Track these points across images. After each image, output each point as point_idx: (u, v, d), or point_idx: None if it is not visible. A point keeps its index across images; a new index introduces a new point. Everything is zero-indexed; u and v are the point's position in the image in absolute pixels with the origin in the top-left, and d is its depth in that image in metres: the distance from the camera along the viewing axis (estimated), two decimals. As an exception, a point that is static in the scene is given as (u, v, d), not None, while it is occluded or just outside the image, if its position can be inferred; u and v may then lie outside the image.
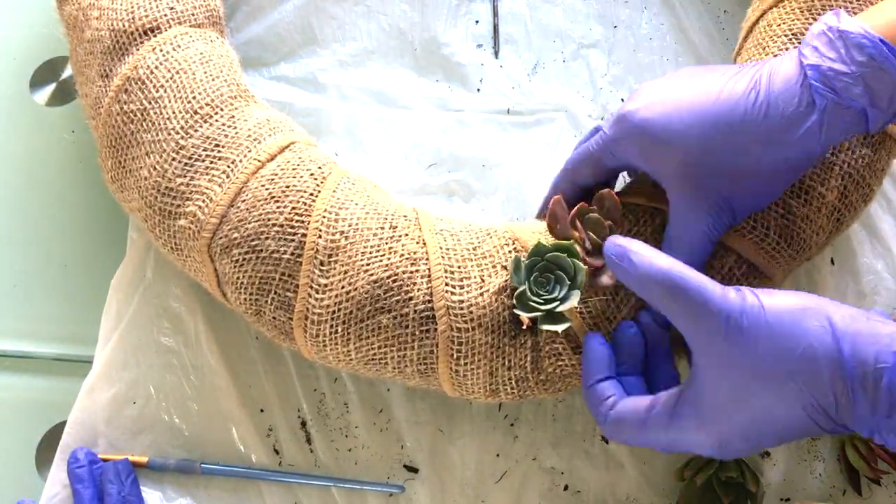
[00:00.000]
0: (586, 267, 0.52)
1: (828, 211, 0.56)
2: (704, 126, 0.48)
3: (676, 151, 0.49)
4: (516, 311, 0.51)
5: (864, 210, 0.59)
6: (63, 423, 0.63)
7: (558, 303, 0.51)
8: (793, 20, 0.59)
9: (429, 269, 0.55)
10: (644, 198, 0.57)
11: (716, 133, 0.48)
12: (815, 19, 0.58)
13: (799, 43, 0.58)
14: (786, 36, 0.59)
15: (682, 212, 0.51)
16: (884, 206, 0.66)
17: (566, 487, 0.61)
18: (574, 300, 0.50)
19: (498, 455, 0.62)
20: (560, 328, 0.51)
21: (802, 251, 0.56)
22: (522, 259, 0.53)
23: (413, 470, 0.61)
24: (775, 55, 0.59)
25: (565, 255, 0.51)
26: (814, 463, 0.61)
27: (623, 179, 0.63)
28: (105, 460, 0.61)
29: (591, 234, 0.52)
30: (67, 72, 0.75)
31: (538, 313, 0.51)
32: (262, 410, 0.63)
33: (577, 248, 0.52)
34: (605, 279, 0.52)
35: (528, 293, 0.51)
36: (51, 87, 0.75)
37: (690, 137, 0.48)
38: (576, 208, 0.53)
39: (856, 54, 0.45)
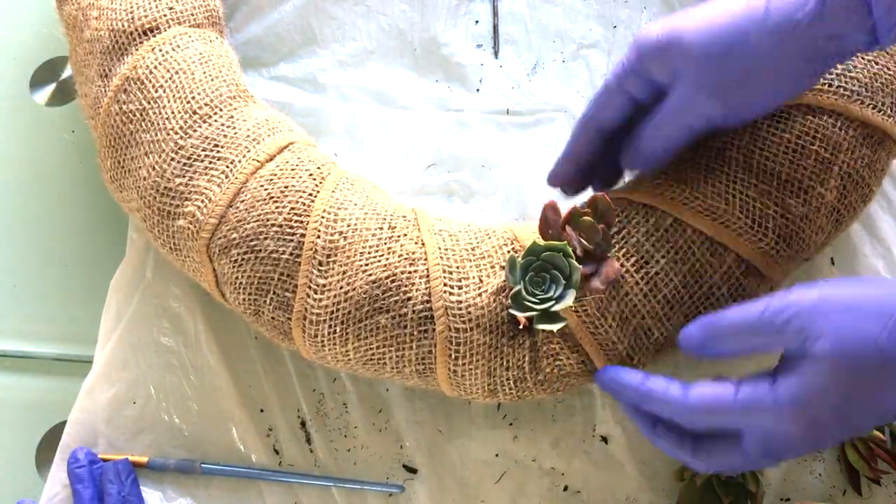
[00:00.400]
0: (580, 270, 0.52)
1: (827, 211, 0.56)
2: (721, 27, 0.50)
3: (693, 52, 0.50)
4: (512, 311, 0.51)
5: (863, 210, 0.59)
6: (63, 423, 0.63)
7: (554, 302, 0.51)
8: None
9: (427, 270, 0.55)
10: (638, 196, 0.57)
11: (730, 32, 0.49)
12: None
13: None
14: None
15: (683, 92, 0.52)
16: (884, 206, 0.66)
17: (566, 488, 0.61)
18: (569, 299, 0.50)
19: (497, 455, 0.62)
20: (556, 327, 0.51)
21: (801, 251, 0.56)
22: (518, 259, 0.53)
23: (412, 470, 0.61)
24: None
25: (560, 254, 0.51)
26: (814, 463, 0.61)
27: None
28: (105, 460, 0.61)
29: (582, 239, 0.52)
30: (67, 72, 0.75)
31: (534, 313, 0.51)
32: (261, 410, 0.63)
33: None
34: (597, 284, 0.52)
35: (524, 293, 0.51)
36: (51, 87, 0.75)
37: (709, 38, 0.50)
38: (568, 212, 0.53)
39: None
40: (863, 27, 0.47)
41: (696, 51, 0.50)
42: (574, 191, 0.60)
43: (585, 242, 0.52)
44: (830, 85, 0.57)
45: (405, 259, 0.55)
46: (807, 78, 0.51)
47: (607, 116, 0.56)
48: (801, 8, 0.47)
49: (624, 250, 0.55)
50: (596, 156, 0.57)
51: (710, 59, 0.50)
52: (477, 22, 0.73)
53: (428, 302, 0.55)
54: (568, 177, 0.59)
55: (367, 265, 0.55)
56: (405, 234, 0.56)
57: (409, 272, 0.55)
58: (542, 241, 0.52)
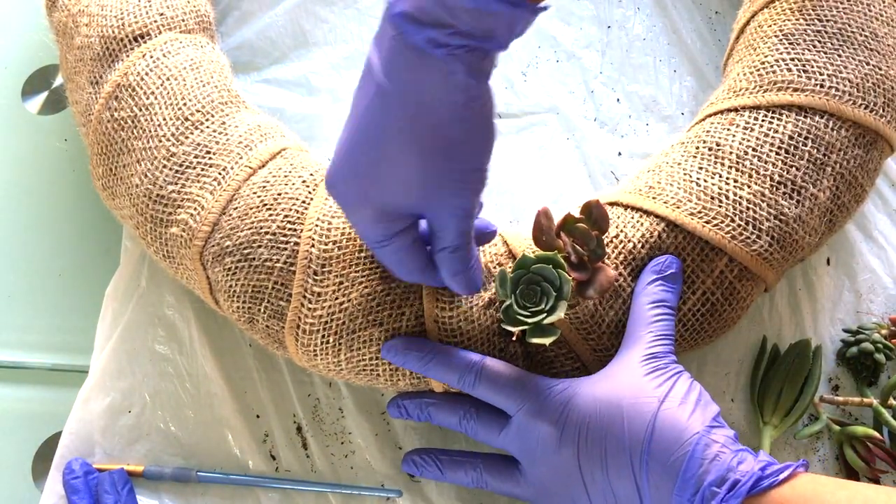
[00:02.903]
0: (572, 278, 0.51)
1: (820, 212, 0.56)
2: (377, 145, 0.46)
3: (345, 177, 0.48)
4: (504, 326, 0.51)
5: (856, 210, 0.59)
6: (59, 434, 0.63)
7: (545, 315, 0.50)
8: (783, 21, 0.59)
9: (421, 285, 0.55)
10: (630, 201, 0.56)
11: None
12: (805, 20, 0.58)
13: (789, 43, 0.58)
14: (776, 37, 0.59)
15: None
16: (879, 205, 0.66)
17: (563, 491, 0.61)
18: (561, 312, 0.50)
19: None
20: (548, 341, 0.50)
21: (795, 253, 0.56)
22: (508, 272, 0.52)
23: (410, 473, 0.61)
24: (765, 56, 0.59)
25: (550, 266, 0.50)
26: (813, 463, 0.61)
27: (613, 179, 0.63)
28: (101, 470, 0.61)
29: (576, 246, 0.52)
30: (59, 80, 0.75)
31: (526, 327, 0.51)
32: (257, 417, 0.63)
33: (563, 260, 0.52)
34: (592, 292, 0.51)
35: (515, 307, 0.51)
36: (43, 96, 0.75)
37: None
38: (562, 218, 0.53)
39: (463, 15, 0.42)
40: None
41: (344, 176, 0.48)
42: None
43: (580, 249, 0.52)
44: (822, 85, 0.56)
45: None
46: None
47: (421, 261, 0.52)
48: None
49: (622, 256, 0.55)
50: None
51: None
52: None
53: (421, 317, 0.54)
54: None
55: (362, 277, 0.55)
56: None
57: (405, 286, 0.55)
58: (531, 254, 0.51)
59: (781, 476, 0.45)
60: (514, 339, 0.52)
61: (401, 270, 0.52)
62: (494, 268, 0.56)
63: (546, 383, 0.52)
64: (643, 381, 0.49)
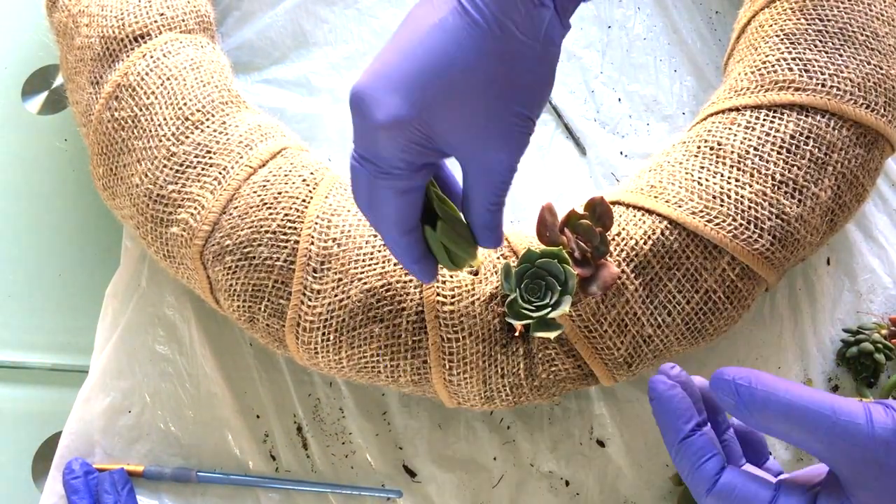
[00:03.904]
0: (577, 273, 0.51)
1: (822, 211, 0.56)
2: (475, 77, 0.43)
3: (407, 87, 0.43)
4: (508, 320, 0.51)
5: (857, 210, 0.59)
6: (59, 434, 0.63)
7: (550, 309, 0.50)
8: (784, 20, 0.59)
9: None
10: (633, 199, 0.56)
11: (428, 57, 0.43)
12: (806, 20, 0.58)
13: (790, 43, 0.58)
14: (777, 36, 0.59)
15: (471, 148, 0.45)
16: (879, 205, 0.66)
17: (564, 491, 0.61)
18: (566, 306, 0.50)
19: (495, 459, 0.61)
20: (553, 335, 0.50)
21: (796, 252, 0.56)
22: (512, 266, 0.52)
23: (412, 473, 0.61)
24: (766, 56, 0.59)
25: (555, 260, 0.50)
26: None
27: (613, 179, 0.63)
28: (101, 470, 0.61)
29: (580, 242, 0.52)
30: (59, 80, 0.75)
31: (530, 321, 0.51)
32: (258, 417, 0.63)
33: (567, 255, 0.52)
34: (595, 288, 0.51)
35: (520, 301, 0.51)
36: (43, 96, 0.75)
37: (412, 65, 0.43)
38: (566, 214, 0.53)
39: None
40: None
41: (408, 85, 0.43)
42: None
43: (584, 245, 0.52)
44: (824, 85, 0.56)
45: (401, 268, 0.55)
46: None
47: (412, 216, 0.47)
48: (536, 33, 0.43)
49: (623, 254, 0.55)
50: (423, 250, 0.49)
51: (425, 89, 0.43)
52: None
53: (422, 312, 0.54)
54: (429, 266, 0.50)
55: (362, 273, 0.55)
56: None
57: (404, 281, 0.55)
58: (536, 248, 0.52)
59: None
60: (517, 333, 0.52)
61: (400, 217, 0.46)
62: (495, 266, 0.56)
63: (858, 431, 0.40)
64: None
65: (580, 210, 0.53)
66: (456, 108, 0.43)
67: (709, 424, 0.44)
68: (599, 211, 0.53)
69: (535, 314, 0.50)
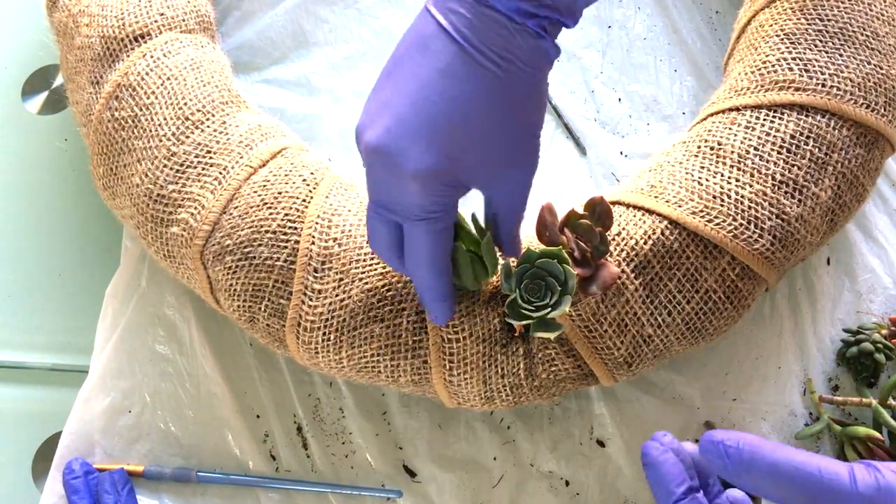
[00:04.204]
0: (577, 273, 0.51)
1: (822, 211, 0.56)
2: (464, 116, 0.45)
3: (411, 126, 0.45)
4: (508, 320, 0.51)
5: (858, 210, 0.59)
6: (59, 434, 0.63)
7: (550, 309, 0.50)
8: (784, 20, 0.59)
9: None
10: (633, 199, 0.56)
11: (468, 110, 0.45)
12: (806, 20, 0.58)
13: (791, 43, 0.58)
14: (777, 36, 0.59)
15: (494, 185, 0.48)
16: (879, 205, 0.66)
17: (564, 491, 0.61)
18: (565, 306, 0.50)
19: (495, 459, 0.61)
20: (553, 335, 0.50)
21: (796, 252, 0.56)
22: (512, 266, 0.52)
23: (412, 473, 0.61)
24: (766, 56, 0.59)
25: (555, 260, 0.50)
26: None
27: (613, 179, 0.63)
28: (101, 470, 0.61)
29: (579, 242, 0.52)
30: (59, 80, 0.75)
31: (530, 321, 0.51)
32: (258, 417, 0.63)
33: (567, 255, 0.52)
34: (595, 288, 0.51)
35: (520, 301, 0.51)
36: (43, 96, 0.75)
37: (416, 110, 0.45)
38: (566, 214, 0.53)
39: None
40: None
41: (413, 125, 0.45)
42: None
43: (583, 245, 0.52)
44: (824, 85, 0.56)
45: None
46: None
47: (445, 258, 0.50)
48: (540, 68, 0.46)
49: (624, 254, 0.55)
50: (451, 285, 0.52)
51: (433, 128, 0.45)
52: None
53: (422, 312, 0.54)
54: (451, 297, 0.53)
55: (363, 273, 0.55)
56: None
57: (405, 281, 0.55)
58: (536, 248, 0.52)
59: None
60: (517, 333, 0.52)
61: (435, 257, 0.48)
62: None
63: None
64: None
65: (580, 210, 0.53)
66: (478, 149, 0.46)
67: (701, 491, 0.46)
68: (599, 211, 0.53)
69: (535, 314, 0.50)
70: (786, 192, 0.55)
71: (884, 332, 0.61)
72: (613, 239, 0.55)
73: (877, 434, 0.58)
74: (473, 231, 0.52)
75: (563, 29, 0.46)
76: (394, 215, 0.48)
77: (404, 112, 0.45)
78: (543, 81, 0.47)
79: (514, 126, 0.46)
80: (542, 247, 0.52)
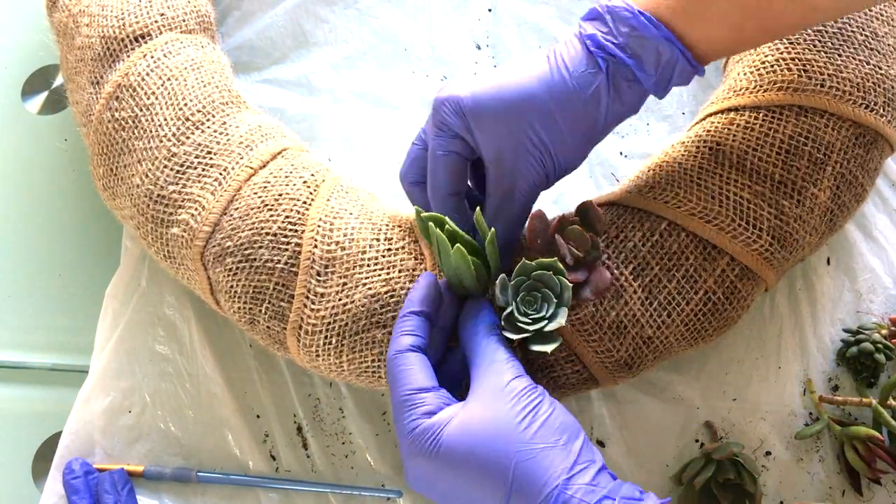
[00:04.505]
0: (570, 278, 0.51)
1: (821, 211, 0.56)
2: (522, 100, 0.51)
3: (499, 117, 0.51)
4: (505, 334, 0.51)
5: (857, 210, 0.59)
6: (59, 434, 0.63)
7: (546, 322, 0.50)
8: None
9: None
10: (631, 201, 0.56)
11: (532, 105, 0.51)
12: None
13: (790, 43, 0.58)
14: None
15: (504, 175, 0.53)
16: (879, 205, 0.66)
17: (564, 491, 0.61)
18: (562, 318, 0.49)
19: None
20: (549, 348, 0.49)
21: (795, 252, 0.56)
22: (508, 279, 0.52)
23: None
24: (765, 56, 0.59)
25: (550, 272, 0.50)
26: (813, 463, 0.61)
27: (613, 180, 0.63)
28: (101, 470, 0.61)
29: (572, 248, 0.52)
30: (59, 80, 0.75)
31: (527, 334, 0.50)
32: (258, 417, 0.63)
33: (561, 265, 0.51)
34: (588, 293, 0.51)
35: (516, 314, 0.50)
36: (43, 96, 0.75)
37: (512, 109, 0.51)
38: (556, 220, 0.52)
39: (621, 26, 0.51)
40: (640, 96, 0.52)
41: (496, 117, 0.51)
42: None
43: (575, 251, 0.52)
44: (822, 85, 0.56)
45: (405, 275, 0.55)
46: (593, 143, 0.54)
47: (453, 181, 0.55)
48: (588, 84, 0.51)
49: (623, 256, 0.55)
50: (467, 216, 0.56)
51: (509, 126, 0.51)
52: (479, 20, 0.73)
53: None
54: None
55: (367, 278, 0.55)
56: (402, 248, 0.56)
57: (408, 289, 0.55)
58: (531, 261, 0.51)
59: None
60: (514, 346, 0.52)
61: (437, 171, 0.54)
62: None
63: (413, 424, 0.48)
64: (509, 418, 0.46)
65: (570, 215, 0.53)
66: (497, 120, 0.51)
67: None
68: (590, 215, 0.53)
69: (531, 327, 0.49)
70: (784, 193, 0.55)
71: (884, 332, 0.61)
72: (612, 241, 0.55)
73: (877, 434, 0.58)
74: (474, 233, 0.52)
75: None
76: (425, 137, 0.55)
77: (490, 87, 0.52)
78: (591, 107, 0.51)
79: (549, 127, 0.51)
80: (537, 258, 0.52)
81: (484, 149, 0.52)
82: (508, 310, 0.50)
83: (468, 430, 0.46)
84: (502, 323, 0.51)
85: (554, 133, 0.51)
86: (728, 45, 0.52)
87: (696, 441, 0.62)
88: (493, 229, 0.51)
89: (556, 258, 0.50)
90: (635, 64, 0.50)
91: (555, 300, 0.50)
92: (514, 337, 0.50)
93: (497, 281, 0.51)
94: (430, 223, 0.52)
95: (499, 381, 0.48)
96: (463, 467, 0.45)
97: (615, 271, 0.54)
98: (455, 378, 0.53)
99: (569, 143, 0.52)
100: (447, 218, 0.52)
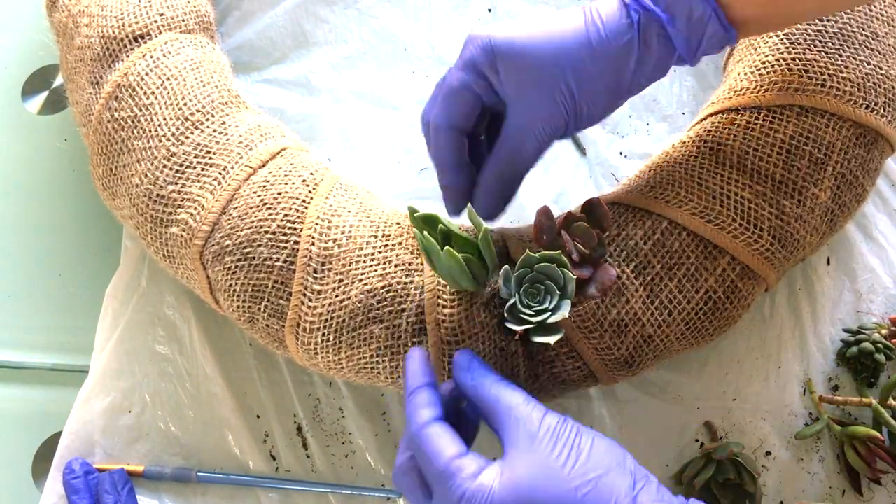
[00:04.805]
0: (575, 275, 0.51)
1: (821, 211, 0.56)
2: (555, 47, 0.51)
3: (530, 62, 0.51)
4: (508, 325, 0.51)
5: (857, 210, 0.59)
6: (59, 434, 0.63)
7: (549, 314, 0.50)
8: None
9: (423, 281, 0.55)
10: (632, 200, 0.56)
11: (564, 53, 0.51)
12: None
13: (790, 43, 0.58)
14: (777, 36, 0.59)
15: (524, 108, 0.53)
16: (879, 205, 0.66)
17: (564, 491, 0.61)
18: (565, 311, 0.49)
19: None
20: (552, 340, 0.49)
21: (796, 252, 0.56)
22: (511, 270, 0.52)
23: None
24: (766, 56, 0.59)
25: (554, 265, 0.50)
26: (813, 463, 0.61)
27: (613, 180, 0.63)
28: (101, 470, 0.61)
29: (578, 244, 0.52)
30: (59, 80, 0.75)
31: (530, 326, 0.51)
32: (258, 417, 0.63)
33: (565, 258, 0.51)
34: (593, 290, 0.51)
35: (519, 305, 0.50)
36: (43, 96, 0.75)
37: (545, 54, 0.51)
38: (562, 216, 0.53)
39: None
40: (670, 55, 0.52)
41: (527, 60, 0.51)
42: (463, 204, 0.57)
43: (581, 248, 0.52)
44: (823, 85, 0.56)
45: (402, 270, 0.55)
46: (619, 99, 0.54)
47: (460, 114, 0.54)
48: (621, 36, 0.50)
49: (624, 254, 0.55)
50: (463, 159, 0.56)
51: (540, 71, 0.51)
52: (479, 20, 0.73)
53: (422, 314, 0.54)
54: (463, 186, 0.56)
55: (363, 274, 0.55)
56: (400, 243, 0.56)
57: (405, 283, 0.55)
58: (535, 253, 0.51)
59: None
60: (516, 337, 0.52)
61: (456, 111, 0.54)
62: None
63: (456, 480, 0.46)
64: (552, 458, 0.45)
65: (577, 212, 0.53)
66: (528, 65, 0.51)
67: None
68: (597, 212, 0.53)
69: (534, 319, 0.50)
70: (785, 193, 0.55)
71: (884, 332, 0.62)
72: (614, 240, 0.55)
73: (877, 434, 0.58)
74: (469, 230, 0.52)
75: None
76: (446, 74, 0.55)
77: (523, 31, 0.52)
78: (622, 60, 0.51)
79: (578, 77, 0.51)
80: (542, 251, 0.52)
81: (508, 88, 0.52)
82: (511, 301, 0.51)
83: (519, 482, 0.44)
84: (505, 314, 0.51)
85: (582, 83, 0.51)
86: (760, 10, 0.51)
87: (696, 441, 0.62)
88: (485, 226, 0.51)
89: (559, 250, 0.51)
90: (667, 18, 0.50)
91: (558, 292, 0.50)
92: (517, 328, 0.50)
93: (500, 272, 0.51)
94: (419, 228, 0.51)
95: (529, 426, 0.46)
96: None
97: (616, 269, 0.54)
98: (470, 434, 0.52)
99: (595, 95, 0.52)
100: (440, 216, 0.52)
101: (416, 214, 0.52)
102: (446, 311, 0.54)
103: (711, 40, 0.51)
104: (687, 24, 0.50)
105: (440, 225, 0.52)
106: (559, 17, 0.52)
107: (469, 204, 0.52)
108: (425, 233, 0.50)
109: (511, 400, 0.47)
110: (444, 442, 0.47)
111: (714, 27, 0.50)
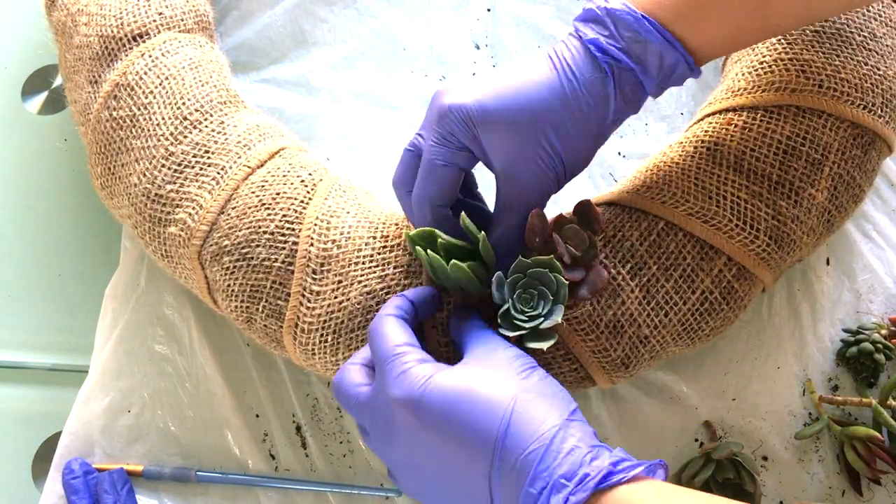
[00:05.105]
0: (566, 279, 0.51)
1: (818, 212, 0.56)
2: (530, 103, 0.50)
3: (510, 127, 0.51)
4: (502, 331, 0.51)
5: (854, 211, 0.59)
6: (59, 434, 0.63)
7: (542, 319, 0.50)
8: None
9: (421, 283, 0.55)
10: (629, 200, 0.56)
11: (542, 109, 0.50)
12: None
13: (788, 43, 0.58)
14: (776, 38, 0.59)
15: (513, 186, 0.52)
16: (878, 205, 0.66)
17: (562, 491, 0.61)
18: (558, 316, 0.49)
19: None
20: (545, 345, 0.49)
21: (793, 252, 0.56)
22: (504, 276, 0.52)
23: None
24: (764, 56, 0.58)
25: (547, 270, 0.50)
26: (812, 463, 0.61)
27: (612, 180, 0.63)
28: (100, 470, 0.61)
29: (569, 247, 0.52)
30: (59, 80, 0.75)
31: (523, 331, 0.50)
32: (257, 416, 0.63)
33: (558, 264, 0.51)
34: (585, 292, 0.51)
35: (513, 311, 0.50)
36: (43, 96, 0.75)
37: (522, 113, 0.50)
38: (553, 219, 0.52)
39: (623, 30, 0.50)
40: (642, 97, 0.52)
41: (505, 125, 0.50)
42: None
43: (573, 250, 0.52)
44: (820, 86, 0.56)
45: (400, 271, 0.55)
46: (599, 144, 0.53)
47: (442, 191, 0.53)
48: (597, 88, 0.50)
49: (620, 255, 0.55)
50: (448, 224, 0.54)
51: (520, 134, 0.50)
52: (478, 20, 0.73)
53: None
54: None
55: (362, 275, 0.55)
56: (398, 245, 0.56)
57: (404, 285, 0.55)
58: (527, 258, 0.51)
59: (631, 473, 0.43)
60: (510, 343, 0.52)
61: (440, 190, 0.52)
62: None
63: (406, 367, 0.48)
64: (506, 368, 0.47)
65: (568, 215, 0.53)
66: (509, 130, 0.50)
67: None
68: (588, 215, 0.53)
69: (527, 324, 0.50)
70: (782, 193, 0.55)
71: (884, 332, 0.61)
72: (609, 241, 0.55)
73: (876, 434, 0.58)
74: (471, 228, 0.52)
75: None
76: (420, 143, 0.54)
77: (498, 92, 0.51)
78: (600, 111, 0.51)
79: (560, 134, 0.51)
80: (535, 256, 0.52)
81: (493, 158, 0.51)
82: (505, 307, 0.50)
83: (463, 373, 0.46)
84: (499, 320, 0.51)
85: (565, 139, 0.51)
86: (728, 45, 0.52)
87: (696, 441, 0.61)
88: (482, 232, 0.51)
89: (551, 255, 0.50)
90: (640, 69, 0.50)
91: (551, 297, 0.50)
92: (511, 334, 0.50)
93: (493, 278, 0.51)
94: (420, 246, 0.51)
95: (495, 347, 0.48)
96: (453, 410, 0.44)
97: (612, 270, 0.54)
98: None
99: (578, 148, 0.51)
100: (437, 231, 0.52)
101: (411, 234, 0.52)
102: (442, 313, 0.54)
103: (678, 79, 0.52)
104: (658, 71, 0.50)
105: (439, 240, 0.52)
106: (525, 69, 0.51)
107: (463, 213, 0.51)
108: (428, 251, 0.51)
109: (490, 341, 0.49)
110: (401, 331, 0.49)
111: (682, 68, 0.51)
